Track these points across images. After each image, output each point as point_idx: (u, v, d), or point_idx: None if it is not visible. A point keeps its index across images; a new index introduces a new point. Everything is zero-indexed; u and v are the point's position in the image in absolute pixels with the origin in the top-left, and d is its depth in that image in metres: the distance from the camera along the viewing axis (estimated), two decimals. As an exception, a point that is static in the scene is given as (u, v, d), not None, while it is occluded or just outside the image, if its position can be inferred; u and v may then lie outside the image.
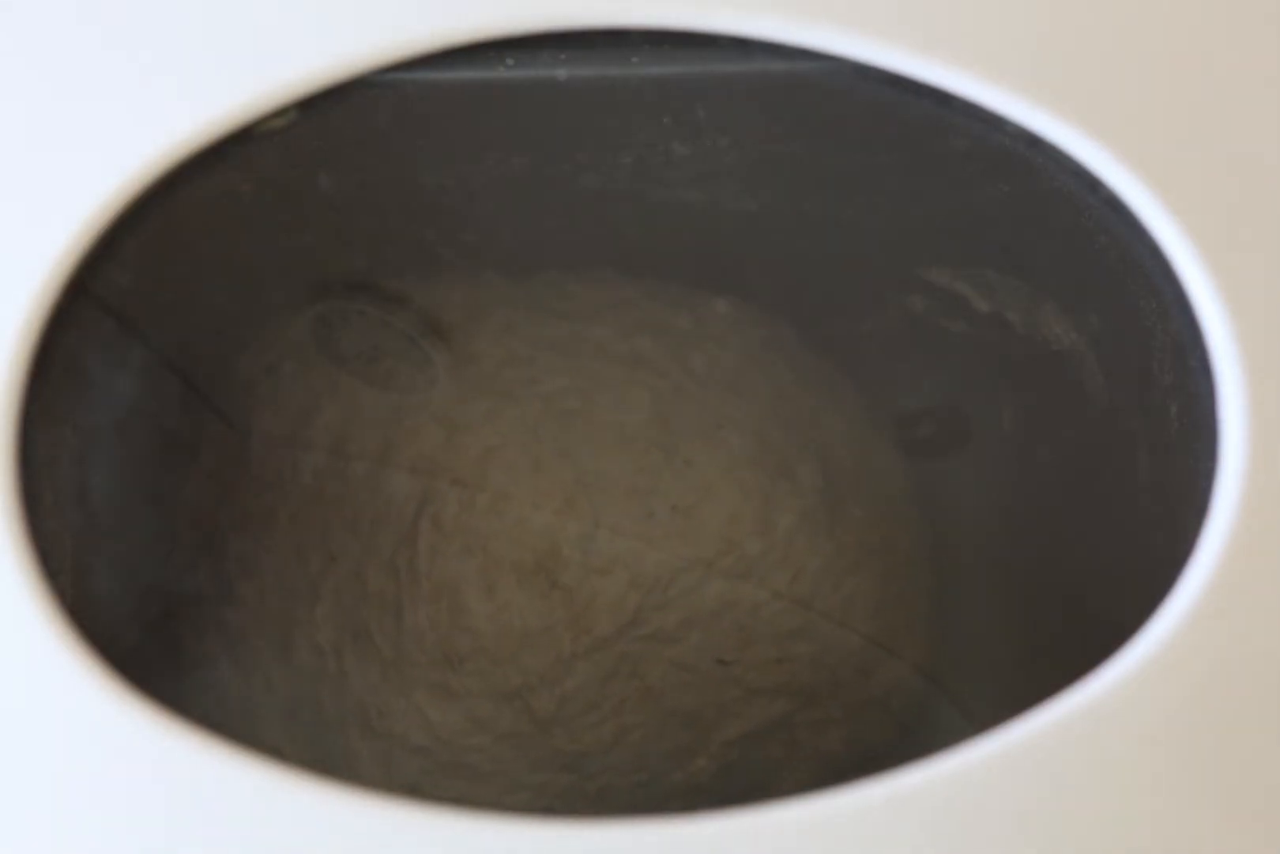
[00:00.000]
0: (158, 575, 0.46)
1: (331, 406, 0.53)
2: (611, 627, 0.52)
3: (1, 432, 0.31)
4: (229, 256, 0.43)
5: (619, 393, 0.54)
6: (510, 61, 0.35)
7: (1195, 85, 0.34)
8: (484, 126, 0.39)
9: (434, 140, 0.40)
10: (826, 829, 0.29)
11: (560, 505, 0.53)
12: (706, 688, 0.51)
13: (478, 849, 0.29)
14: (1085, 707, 0.30)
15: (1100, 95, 0.34)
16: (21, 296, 0.32)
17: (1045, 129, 0.34)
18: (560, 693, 0.51)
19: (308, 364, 0.51)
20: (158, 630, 0.46)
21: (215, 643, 0.48)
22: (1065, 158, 0.34)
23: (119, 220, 0.33)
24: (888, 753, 0.50)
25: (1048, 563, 0.49)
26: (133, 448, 0.45)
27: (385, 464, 0.52)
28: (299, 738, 0.50)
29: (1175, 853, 0.30)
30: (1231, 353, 0.32)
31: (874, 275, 0.48)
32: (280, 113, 0.34)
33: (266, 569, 0.51)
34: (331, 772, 0.30)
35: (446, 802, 0.30)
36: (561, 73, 0.36)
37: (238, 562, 0.50)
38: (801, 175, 0.42)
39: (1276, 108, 0.34)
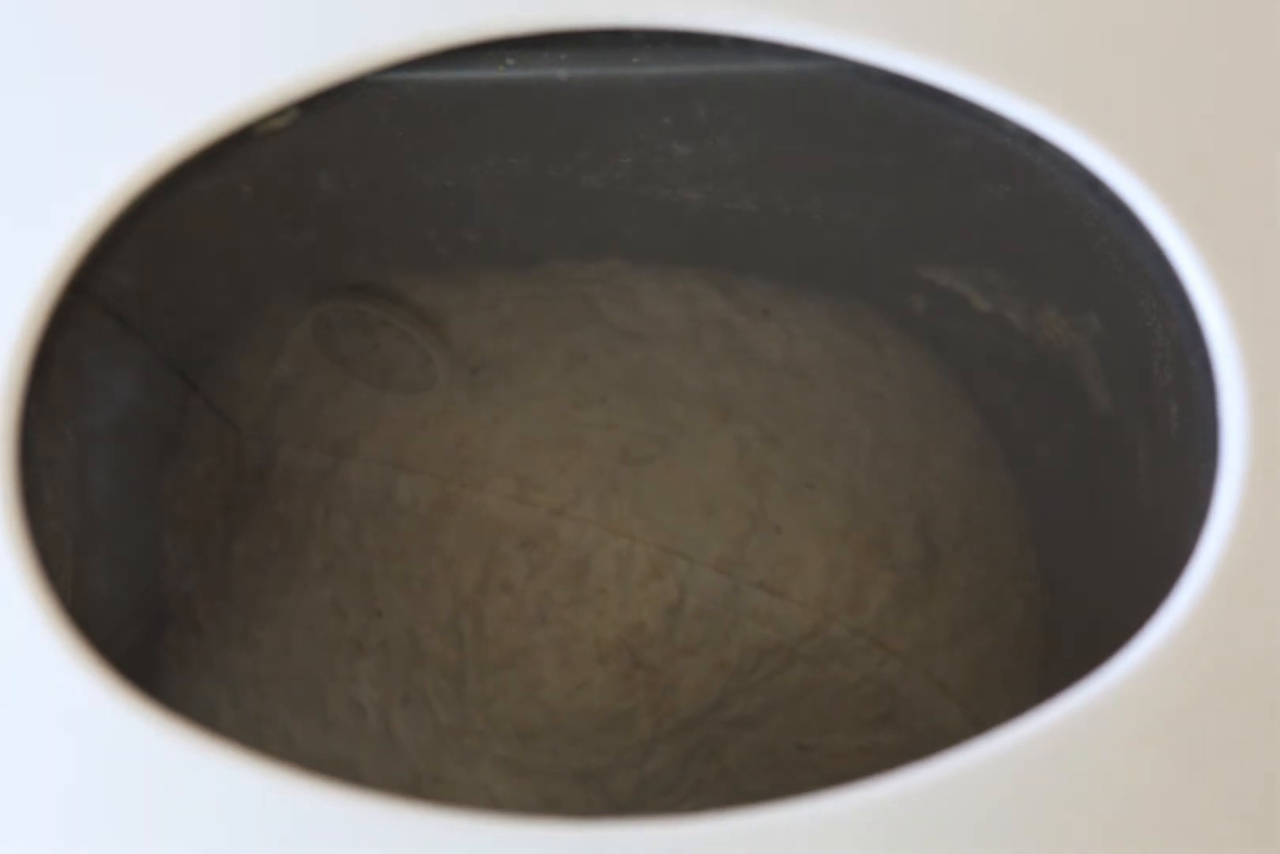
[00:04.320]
0: (158, 576, 0.46)
1: (370, 441, 0.50)
2: (695, 710, 0.49)
3: (1, 432, 0.31)
4: (229, 256, 0.43)
5: (701, 441, 0.50)
6: (510, 61, 0.35)
7: (1195, 85, 0.34)
8: (484, 126, 0.39)
9: (434, 140, 0.40)
10: (827, 829, 0.29)
11: (644, 576, 0.50)
12: (784, 772, 0.48)
13: (478, 849, 0.29)
14: (1085, 707, 0.30)
15: (1100, 95, 0.34)
16: (21, 296, 0.32)
17: (1045, 129, 0.34)
18: (640, 776, 0.48)
19: (349, 390, 0.49)
20: (158, 631, 0.46)
21: (216, 645, 0.48)
22: (1065, 158, 0.34)
23: (119, 220, 0.33)
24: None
25: (1048, 562, 0.49)
26: (133, 448, 0.45)
27: (443, 516, 0.50)
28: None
29: (1175, 853, 0.30)
30: (1231, 353, 0.32)
31: (874, 275, 0.48)
32: (280, 113, 0.34)
33: (295, 617, 0.49)
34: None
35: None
36: (562, 73, 0.36)
37: (254, 605, 0.48)
38: (801, 175, 0.42)
39: (1277, 108, 0.34)
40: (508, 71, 0.36)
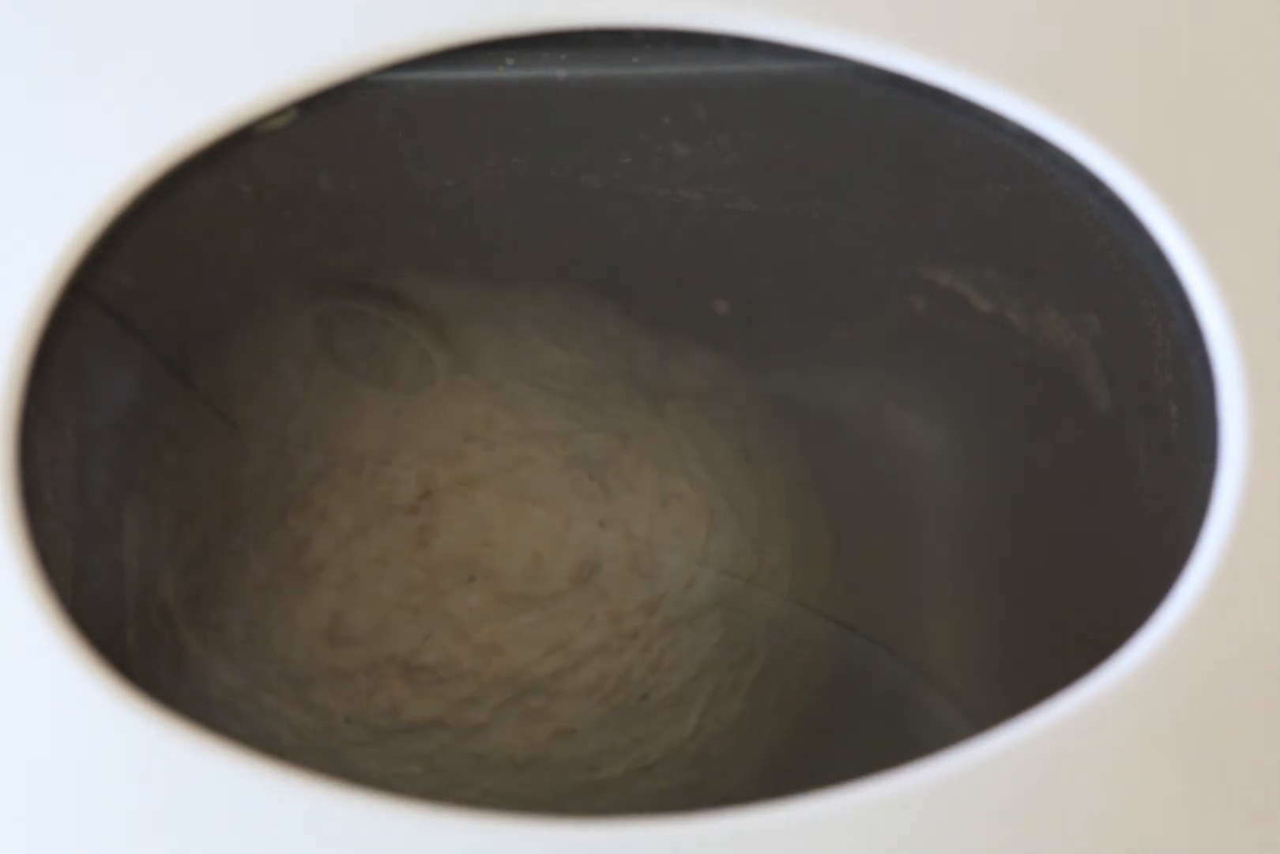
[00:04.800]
0: (158, 576, 0.46)
1: (369, 441, 0.50)
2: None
3: (1, 431, 0.31)
4: (229, 256, 0.43)
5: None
6: (510, 61, 0.35)
7: (1195, 85, 0.34)
8: (484, 126, 0.39)
9: (434, 140, 0.40)
10: (827, 829, 0.29)
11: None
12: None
13: (477, 849, 0.29)
14: (1085, 707, 0.30)
15: (1100, 95, 0.34)
16: (21, 296, 0.32)
17: (1045, 129, 0.34)
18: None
19: (349, 389, 0.50)
20: (158, 631, 0.46)
21: (217, 643, 0.48)
22: (1065, 158, 0.34)
23: (119, 220, 0.33)
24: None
25: (1048, 562, 0.49)
26: (133, 448, 0.45)
27: (440, 514, 0.50)
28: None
29: (1175, 853, 0.30)
30: (1231, 353, 0.32)
31: (874, 275, 0.48)
32: (280, 113, 0.34)
33: (294, 617, 0.49)
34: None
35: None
36: (561, 73, 0.36)
37: (254, 604, 0.49)
38: (801, 175, 0.42)
39: (1277, 108, 0.34)
40: (507, 71, 0.36)
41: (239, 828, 0.29)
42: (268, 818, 0.29)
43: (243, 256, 0.44)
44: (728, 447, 0.52)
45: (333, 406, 0.51)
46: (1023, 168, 0.36)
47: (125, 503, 0.45)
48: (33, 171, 0.33)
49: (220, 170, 0.35)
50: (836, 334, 0.52)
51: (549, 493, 0.50)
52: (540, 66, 0.36)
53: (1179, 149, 0.33)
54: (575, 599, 0.49)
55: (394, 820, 0.29)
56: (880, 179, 0.41)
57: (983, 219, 0.41)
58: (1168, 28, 0.34)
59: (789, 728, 0.51)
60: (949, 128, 0.36)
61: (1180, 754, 0.30)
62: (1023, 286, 0.43)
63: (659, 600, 0.49)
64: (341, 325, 0.49)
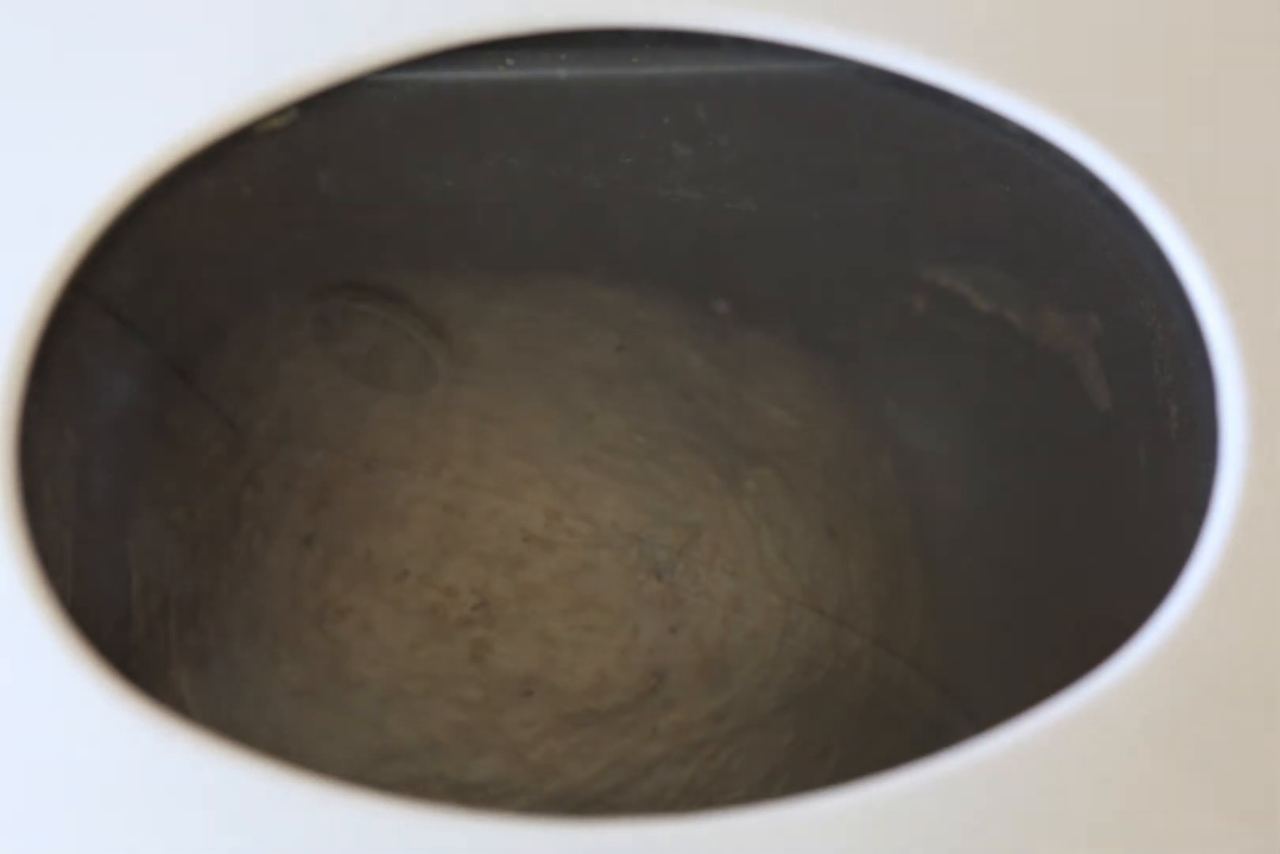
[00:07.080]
0: (158, 575, 0.46)
1: (369, 441, 0.49)
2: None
3: (1, 432, 0.31)
4: (229, 256, 0.43)
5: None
6: (510, 61, 0.35)
7: (1195, 85, 0.34)
8: (484, 126, 0.39)
9: (434, 140, 0.40)
10: (827, 829, 0.29)
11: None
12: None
13: (477, 849, 0.29)
14: (1085, 707, 0.30)
15: (1100, 95, 0.34)
16: (21, 296, 0.32)
17: (1045, 129, 0.34)
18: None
19: (349, 390, 0.48)
20: (158, 631, 0.46)
21: (216, 642, 0.48)
22: (1065, 158, 0.34)
23: (119, 220, 0.33)
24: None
25: (1048, 562, 0.49)
26: (133, 447, 0.45)
27: (441, 516, 0.49)
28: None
29: (1175, 853, 0.30)
30: (1231, 353, 0.32)
31: (874, 275, 0.48)
32: (280, 113, 0.34)
33: (295, 617, 0.48)
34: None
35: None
36: (561, 73, 0.36)
37: (254, 604, 0.48)
38: (801, 175, 0.42)
39: (1276, 108, 0.34)
40: (508, 71, 0.36)
41: (239, 828, 0.29)
42: (268, 818, 0.29)
43: (243, 256, 0.44)
44: (810, 526, 0.49)
45: (333, 407, 0.51)
46: (1023, 168, 0.36)
47: (126, 503, 0.45)
48: (33, 171, 0.33)
49: (220, 170, 0.35)
50: (836, 334, 0.52)
51: (614, 600, 0.47)
52: (540, 66, 0.36)
53: (1178, 149, 0.33)
54: (639, 712, 0.46)
55: (392, 820, 0.29)
56: (880, 179, 0.41)
57: (983, 219, 0.41)
58: (1167, 28, 0.34)
59: None
60: (949, 128, 0.36)
61: (1180, 754, 0.30)
62: (1023, 286, 0.43)
63: (728, 707, 0.47)
64: (341, 325, 0.49)
